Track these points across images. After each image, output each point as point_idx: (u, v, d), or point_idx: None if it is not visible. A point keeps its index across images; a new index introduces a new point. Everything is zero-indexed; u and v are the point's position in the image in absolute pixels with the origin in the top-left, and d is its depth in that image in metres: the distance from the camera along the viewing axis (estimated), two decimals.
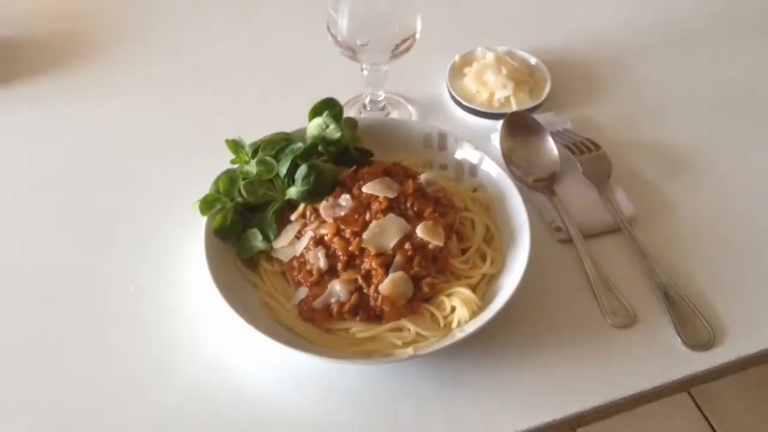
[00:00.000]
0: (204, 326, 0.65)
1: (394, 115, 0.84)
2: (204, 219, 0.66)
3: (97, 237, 0.72)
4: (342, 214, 0.65)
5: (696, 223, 0.74)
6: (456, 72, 0.88)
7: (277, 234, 0.66)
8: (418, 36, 0.76)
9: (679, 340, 0.65)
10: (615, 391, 0.62)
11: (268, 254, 0.66)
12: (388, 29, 0.74)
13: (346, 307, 0.62)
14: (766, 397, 1.44)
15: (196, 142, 0.80)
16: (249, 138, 0.70)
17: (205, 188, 0.69)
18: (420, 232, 0.64)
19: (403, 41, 0.75)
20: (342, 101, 0.82)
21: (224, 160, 0.70)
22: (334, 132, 0.69)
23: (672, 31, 0.95)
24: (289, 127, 0.72)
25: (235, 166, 0.70)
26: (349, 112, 0.83)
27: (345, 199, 0.66)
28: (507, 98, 0.84)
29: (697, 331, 0.65)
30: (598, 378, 0.63)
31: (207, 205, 0.66)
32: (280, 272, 0.66)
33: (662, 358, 0.64)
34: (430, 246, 0.64)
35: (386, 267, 0.63)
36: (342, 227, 0.64)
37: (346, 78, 0.82)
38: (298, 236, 0.66)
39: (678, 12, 0.98)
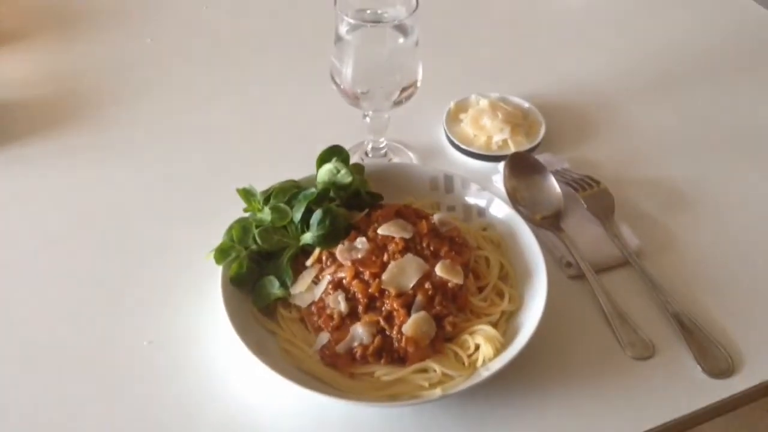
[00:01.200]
0: (224, 378, 0.64)
1: (395, 161, 0.85)
2: (216, 269, 0.65)
3: (106, 295, 0.70)
4: (359, 256, 0.65)
5: (700, 253, 0.75)
6: (452, 118, 0.90)
7: (294, 280, 0.66)
8: (419, 84, 0.77)
9: (700, 368, 0.65)
10: (644, 424, 0.62)
11: (285, 301, 0.66)
12: (391, 77, 0.75)
13: (370, 350, 0.61)
14: None
15: (199, 196, 0.80)
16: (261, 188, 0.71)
17: (213, 239, 0.68)
18: (439, 270, 0.64)
19: (405, 89, 0.76)
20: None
21: (229, 211, 0.70)
22: (345, 176, 0.69)
23: (655, 74, 0.99)
24: (292, 176, 0.73)
25: (247, 214, 0.69)
26: (351, 160, 0.84)
27: (361, 242, 0.66)
28: (504, 141, 0.86)
29: (716, 359, 0.66)
30: (625, 411, 0.63)
31: (222, 253, 0.66)
32: (299, 318, 0.65)
33: (686, 387, 0.64)
34: (450, 284, 0.64)
35: (407, 307, 0.62)
36: (360, 269, 0.64)
37: (347, 126, 0.83)
38: (315, 281, 0.65)
39: (659, 55, 1.02)
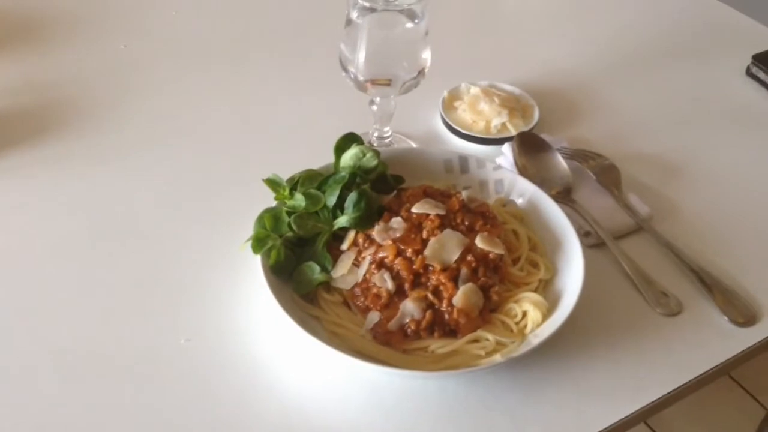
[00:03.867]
0: (271, 369, 0.62)
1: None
2: (246, 261, 0.64)
3: (135, 299, 0.67)
4: (397, 235, 0.65)
5: (704, 215, 0.79)
6: (447, 106, 0.91)
7: (333, 264, 0.65)
8: (427, 70, 0.78)
9: (726, 319, 0.68)
10: (684, 375, 0.64)
11: (326, 285, 0.65)
12: (401, 63, 0.76)
13: (423, 324, 0.61)
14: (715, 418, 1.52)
15: (211, 191, 0.78)
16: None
17: (234, 234, 0.67)
18: (480, 242, 0.65)
19: (415, 75, 0.77)
20: None
21: (242, 204, 0.69)
22: (371, 160, 0.70)
23: (634, 56, 1.04)
24: (298, 169, 0.71)
25: (274, 202, 0.68)
26: None
27: (396, 222, 0.66)
28: (503, 124, 0.88)
29: (740, 309, 0.69)
30: (665, 365, 0.65)
31: (259, 242, 0.64)
32: (341, 302, 0.64)
33: (716, 338, 0.67)
34: (491, 256, 0.65)
35: (454, 281, 0.63)
36: (402, 248, 0.64)
37: (349, 119, 0.83)
38: (356, 263, 0.65)
39: (636, 39, 1.07)
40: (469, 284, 0.63)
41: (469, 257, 0.64)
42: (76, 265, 0.70)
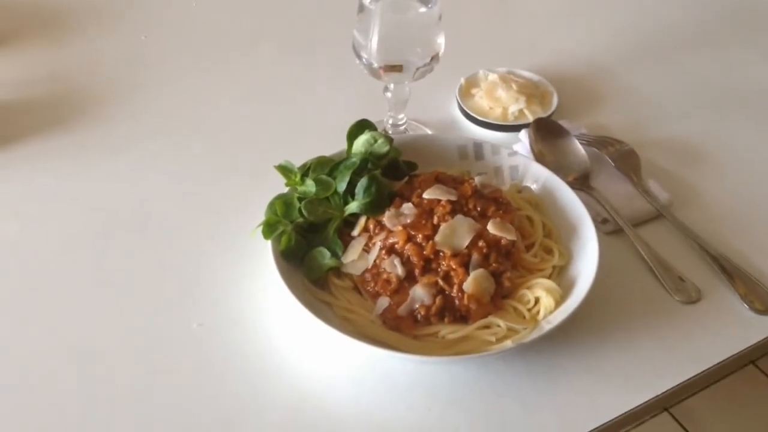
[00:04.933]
0: (284, 353, 0.62)
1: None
2: (257, 247, 0.64)
3: (147, 287, 0.68)
4: (408, 221, 0.65)
5: (726, 201, 0.78)
6: (464, 93, 0.90)
7: (344, 250, 0.65)
8: (441, 55, 0.78)
9: (747, 307, 0.67)
10: (704, 363, 0.63)
11: (336, 271, 0.65)
12: (414, 48, 0.75)
13: (433, 309, 0.61)
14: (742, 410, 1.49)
15: (224, 179, 0.78)
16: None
17: (244, 221, 0.67)
18: (492, 228, 0.64)
19: (428, 61, 0.76)
20: None
21: (254, 191, 0.68)
22: (383, 146, 0.69)
23: (656, 40, 1.02)
24: (314, 156, 0.71)
25: (286, 190, 0.68)
26: None
27: (407, 208, 0.66)
28: (521, 111, 0.86)
29: (761, 297, 0.67)
30: (684, 353, 0.64)
31: (270, 228, 0.64)
32: (352, 287, 0.64)
33: (736, 325, 0.66)
34: (503, 242, 0.64)
35: (465, 266, 0.62)
36: (412, 233, 0.64)
37: (363, 106, 0.82)
38: (366, 249, 0.65)
39: (658, 23, 1.05)
40: (480, 270, 0.62)
41: (481, 243, 0.63)
42: (90, 253, 0.71)
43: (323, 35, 1.00)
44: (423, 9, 0.74)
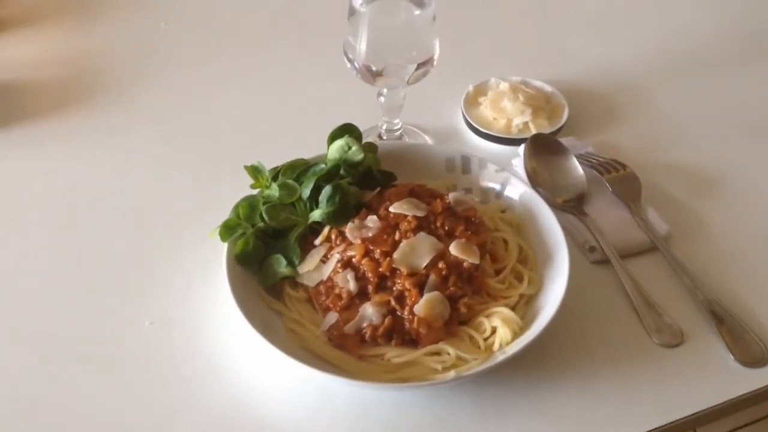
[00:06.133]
0: (228, 359, 0.61)
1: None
2: (221, 248, 0.63)
3: (109, 274, 0.68)
4: (369, 235, 0.62)
5: (731, 238, 0.71)
6: (471, 102, 0.86)
7: (302, 259, 0.63)
8: (436, 60, 0.74)
9: (732, 357, 0.61)
10: (671, 413, 0.58)
11: (292, 280, 0.63)
12: (406, 52, 0.72)
13: (380, 330, 0.58)
14: None
15: (207, 175, 0.78)
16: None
17: (219, 219, 0.65)
18: (454, 249, 0.61)
19: (422, 65, 0.73)
20: None
21: (238, 191, 0.67)
22: (356, 153, 0.67)
23: (683, 58, 0.95)
24: (306, 157, 0.70)
25: (255, 192, 0.67)
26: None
27: (372, 221, 0.63)
28: (525, 124, 0.82)
29: (750, 347, 0.61)
30: (651, 400, 0.59)
31: (228, 230, 0.63)
32: (306, 299, 0.62)
33: (716, 376, 0.60)
34: (465, 264, 0.60)
35: (420, 287, 0.59)
36: (371, 248, 0.61)
37: (362, 108, 0.80)
38: (324, 260, 0.62)
39: (687, 41, 0.98)
40: (435, 293, 0.59)
41: (441, 264, 0.60)
42: (57, 238, 0.71)
43: (334, 34, 0.98)
44: (417, 11, 0.71)
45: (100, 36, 0.97)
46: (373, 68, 0.72)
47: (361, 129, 0.81)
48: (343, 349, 0.58)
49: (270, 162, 0.69)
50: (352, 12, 0.70)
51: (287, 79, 0.91)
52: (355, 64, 0.73)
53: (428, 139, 0.83)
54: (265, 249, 0.63)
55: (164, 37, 0.98)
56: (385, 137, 0.81)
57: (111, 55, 0.95)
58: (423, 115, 0.86)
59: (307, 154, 0.70)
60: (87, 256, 0.69)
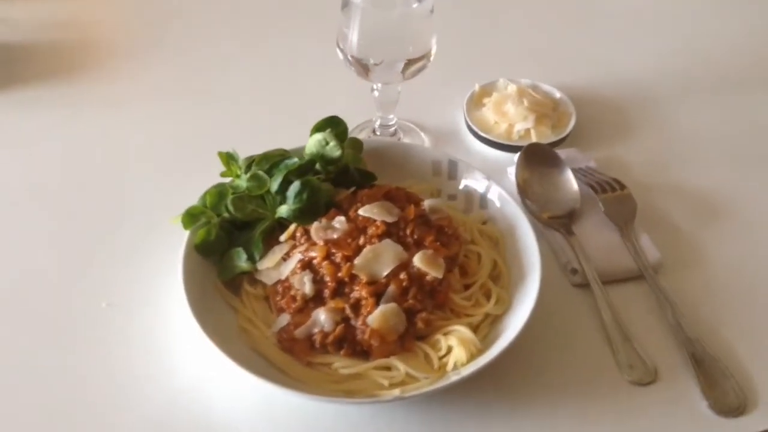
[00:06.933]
0: (177, 350, 0.59)
1: (406, 141, 0.79)
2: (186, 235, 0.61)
3: (75, 250, 0.67)
4: (334, 236, 0.60)
5: (728, 274, 0.67)
6: (475, 102, 0.83)
7: (264, 255, 0.60)
8: (432, 56, 0.71)
9: (706, 403, 0.57)
10: None
11: (251, 276, 0.61)
12: (401, 47, 0.69)
13: (330, 338, 0.55)
14: None
15: (194, 158, 0.76)
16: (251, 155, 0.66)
17: (190, 204, 0.64)
18: (417, 261, 0.58)
19: (417, 60, 0.70)
20: (352, 125, 0.78)
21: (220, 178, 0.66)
22: (333, 149, 0.64)
23: (707, 76, 0.90)
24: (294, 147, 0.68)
25: (227, 180, 0.65)
26: (359, 137, 0.79)
27: (339, 222, 0.61)
28: (527, 131, 0.78)
29: (726, 395, 0.57)
30: None
31: (191, 218, 0.61)
32: (263, 296, 0.60)
33: (686, 422, 0.56)
34: (428, 277, 0.57)
35: (378, 297, 0.57)
36: (333, 251, 0.58)
37: (359, 102, 0.77)
38: (285, 258, 0.60)
39: (713, 58, 0.93)
40: (392, 305, 0.56)
41: (402, 275, 0.57)
42: (31, 206, 0.70)
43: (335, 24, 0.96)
44: (415, 4, 0.67)
45: (106, 4, 0.96)
46: (365, 62, 0.69)
47: (357, 122, 0.80)
48: (292, 354, 0.56)
49: (258, 150, 0.66)
50: (346, 4, 0.67)
51: (287, 68, 0.89)
52: (348, 55, 0.70)
53: (425, 138, 0.80)
54: (228, 241, 0.62)
55: (172, 11, 0.96)
56: (379, 133, 0.79)
57: (115, 25, 0.94)
58: (425, 111, 0.83)
59: (298, 144, 0.68)
60: (57, 226, 0.69)
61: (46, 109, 0.81)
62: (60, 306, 0.62)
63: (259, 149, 0.66)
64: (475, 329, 0.58)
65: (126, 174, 0.74)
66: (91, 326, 0.61)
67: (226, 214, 0.62)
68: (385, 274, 0.57)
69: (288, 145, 0.67)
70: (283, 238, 0.62)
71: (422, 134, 0.80)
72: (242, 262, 0.60)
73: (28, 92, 0.83)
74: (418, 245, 0.60)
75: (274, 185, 0.62)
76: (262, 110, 0.83)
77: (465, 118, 0.81)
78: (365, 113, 0.79)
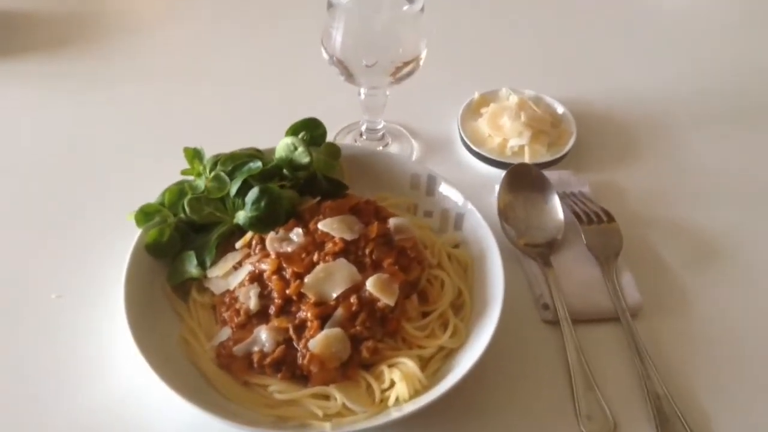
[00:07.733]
0: (119, 351, 0.57)
1: (394, 147, 0.76)
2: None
3: (32, 236, 0.65)
4: (289, 250, 0.57)
5: (710, 326, 0.62)
6: (473, 110, 0.79)
7: (216, 261, 0.58)
8: (422, 60, 0.67)
9: None
10: None
11: (200, 283, 0.58)
12: (389, 50, 0.65)
13: (269, 359, 0.53)
14: None
15: (167, 151, 0.72)
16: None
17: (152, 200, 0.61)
18: (370, 285, 0.55)
19: (405, 64, 0.66)
20: (338, 127, 0.75)
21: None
22: (302, 155, 0.61)
23: (725, 106, 0.84)
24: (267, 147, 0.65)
25: (190, 178, 0.62)
26: (344, 140, 0.76)
27: (297, 234, 0.58)
28: (521, 147, 0.74)
29: None
30: None
31: (145, 216, 0.59)
32: (211, 305, 0.58)
33: None
34: (380, 304, 0.54)
35: (323, 320, 0.54)
36: (284, 265, 0.56)
37: (350, 101, 0.74)
38: (237, 267, 0.57)
39: (734, 86, 0.87)
40: (336, 330, 0.53)
41: (353, 298, 0.54)
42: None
43: None
44: (406, 6, 0.64)
45: None
46: (349, 64, 0.66)
47: (345, 123, 0.77)
48: (229, 371, 0.54)
49: (237, 147, 0.63)
50: (330, 5, 0.64)
51: (278, 65, 0.86)
52: (332, 56, 0.66)
53: (415, 145, 0.76)
54: (182, 242, 0.59)
55: None
56: (365, 137, 0.75)
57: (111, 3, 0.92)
58: (420, 116, 0.79)
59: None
60: (13, 211, 0.67)
61: (28, 82, 0.79)
62: (8, 292, 0.61)
63: (237, 147, 0.64)
64: (427, 362, 0.55)
65: (93, 162, 0.72)
66: (39, 316, 0.59)
67: (182, 215, 0.59)
68: (335, 295, 0.54)
69: (272, 144, 0.64)
70: (238, 245, 0.59)
71: (413, 141, 0.77)
72: (192, 267, 0.58)
73: (14, 65, 0.81)
74: (376, 267, 0.56)
75: (234, 189, 0.59)
76: (247, 106, 0.80)
77: (458, 129, 0.77)
78: (356, 114, 0.76)
